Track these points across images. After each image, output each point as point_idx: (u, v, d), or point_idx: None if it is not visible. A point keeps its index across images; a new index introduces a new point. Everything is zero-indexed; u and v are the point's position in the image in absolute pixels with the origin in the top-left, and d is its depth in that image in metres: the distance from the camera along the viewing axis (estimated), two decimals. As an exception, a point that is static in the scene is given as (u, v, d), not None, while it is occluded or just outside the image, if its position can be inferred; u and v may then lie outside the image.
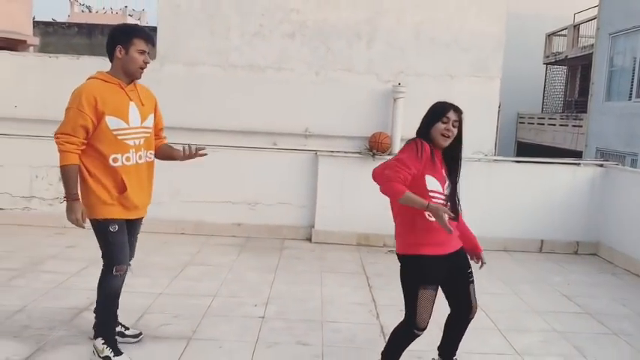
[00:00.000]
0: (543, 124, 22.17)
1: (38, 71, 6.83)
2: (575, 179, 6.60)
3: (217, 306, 4.25)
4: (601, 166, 6.68)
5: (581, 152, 16.94)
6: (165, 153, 3.45)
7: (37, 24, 20.27)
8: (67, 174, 3.04)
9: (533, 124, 23.26)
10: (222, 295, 4.49)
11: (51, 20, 27.98)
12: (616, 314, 4.55)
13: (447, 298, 3.06)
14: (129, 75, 3.14)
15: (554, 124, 20.98)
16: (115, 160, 3.08)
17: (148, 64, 3.17)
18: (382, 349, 3.12)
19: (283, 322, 4.01)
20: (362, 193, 6.31)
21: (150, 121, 3.27)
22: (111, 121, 3.04)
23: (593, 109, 16.74)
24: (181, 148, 3.33)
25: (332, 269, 5.45)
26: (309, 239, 6.50)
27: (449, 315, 3.12)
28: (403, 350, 3.03)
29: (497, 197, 6.44)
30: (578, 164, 6.75)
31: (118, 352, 3.19)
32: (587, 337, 4.04)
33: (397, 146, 6.44)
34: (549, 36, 23.07)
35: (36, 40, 15.10)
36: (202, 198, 6.57)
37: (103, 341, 3.19)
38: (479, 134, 6.50)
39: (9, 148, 6.55)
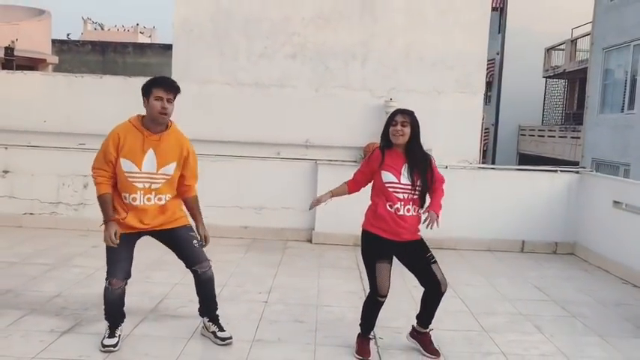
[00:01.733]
0: (543, 135, 22.74)
1: (65, 89, 7.58)
2: (554, 185, 7.20)
3: (226, 293, 4.87)
4: (577, 172, 7.28)
5: (578, 163, 17.50)
6: (190, 211, 3.77)
7: (52, 42, 21.20)
8: (101, 201, 3.50)
9: (533, 135, 23.85)
10: (230, 285, 5.12)
11: (66, 38, 29.08)
12: (578, 302, 5.14)
13: (418, 279, 3.70)
14: (153, 120, 3.46)
15: (554, 136, 21.54)
16: (125, 197, 3.51)
17: (166, 110, 3.44)
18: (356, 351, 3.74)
19: (283, 305, 4.65)
20: (357, 198, 6.92)
21: (169, 169, 3.54)
22: (124, 163, 3.45)
23: (588, 120, 17.33)
24: (198, 237, 3.73)
25: (329, 265, 6.08)
26: (310, 240, 7.13)
27: (424, 291, 3.74)
28: (373, 317, 3.69)
29: (481, 202, 7.04)
30: (556, 171, 7.35)
31: (111, 335, 3.63)
32: (548, 319, 4.64)
33: (389, 155, 7.09)
34: (548, 50, 23.70)
35: (55, 59, 15.97)
36: (213, 203, 7.17)
37: (108, 325, 3.70)
38: (464, 144, 7.14)
39: (39, 159, 7.25)
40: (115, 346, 3.61)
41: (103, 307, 3.70)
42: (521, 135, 25.09)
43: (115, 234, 3.47)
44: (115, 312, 3.69)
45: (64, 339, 3.76)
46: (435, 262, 3.63)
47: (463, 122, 7.14)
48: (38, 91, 7.57)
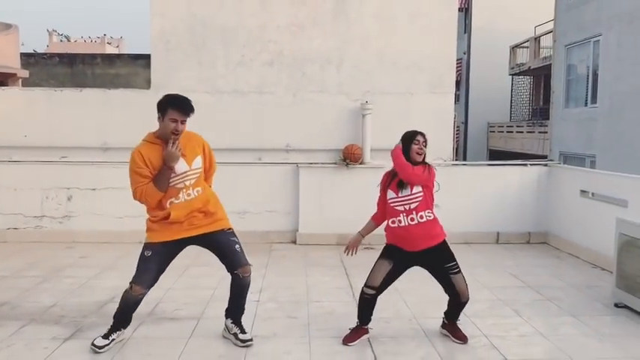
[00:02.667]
0: (512, 131, 23.34)
1: (44, 103, 7.64)
2: (524, 178, 7.55)
3: (219, 295, 5.01)
4: (545, 165, 7.65)
5: (546, 157, 18.05)
6: None
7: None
8: (155, 182, 3.58)
9: (502, 132, 24.46)
10: (222, 287, 5.23)
11: (32, 51, 28.65)
12: (552, 286, 5.46)
13: (442, 286, 3.97)
14: (166, 136, 3.60)
15: (522, 132, 22.15)
16: (171, 203, 3.66)
17: (179, 131, 3.56)
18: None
19: (275, 303, 4.85)
20: (339, 198, 7.21)
21: (198, 163, 3.74)
22: None
23: (554, 115, 17.91)
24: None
25: (315, 264, 6.29)
26: (294, 242, 7.33)
27: (449, 299, 4.02)
28: (362, 310, 3.98)
29: (456, 197, 7.32)
30: (526, 165, 7.71)
31: (106, 337, 3.79)
32: (525, 303, 4.94)
33: (368, 156, 7.37)
34: (513, 48, 24.37)
35: (25, 73, 15.82)
36: (197, 210, 7.38)
37: (112, 323, 3.87)
38: (438, 143, 7.41)
39: (21, 173, 7.30)
40: (100, 347, 3.74)
41: (117, 307, 3.85)
42: (491, 132, 25.72)
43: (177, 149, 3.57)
44: (125, 315, 3.84)
45: (67, 345, 3.89)
46: (457, 272, 3.90)
47: (436, 122, 7.44)
48: (17, 106, 7.61)
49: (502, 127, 24.67)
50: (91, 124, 7.56)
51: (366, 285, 3.93)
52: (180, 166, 3.66)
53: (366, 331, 4.03)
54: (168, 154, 3.57)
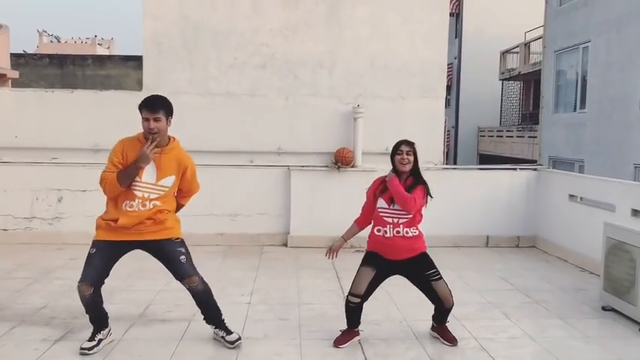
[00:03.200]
0: (502, 136, 23.52)
1: (36, 104, 7.60)
2: (514, 183, 7.62)
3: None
4: (535, 170, 7.73)
5: (536, 161, 18.21)
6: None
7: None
8: (118, 176, 3.62)
9: (492, 136, 24.63)
10: (213, 289, 5.28)
11: (22, 52, 28.46)
12: (541, 289, 5.52)
13: (425, 294, 4.02)
14: (147, 138, 3.66)
15: (512, 136, 22.31)
16: (124, 205, 3.67)
17: (153, 129, 3.62)
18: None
19: (266, 305, 4.86)
20: (330, 201, 7.24)
21: (167, 182, 3.74)
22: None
23: (544, 120, 18.07)
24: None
25: (306, 266, 6.31)
26: (285, 244, 7.35)
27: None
28: (350, 317, 4.02)
29: (447, 200, 7.36)
30: (515, 169, 7.78)
31: (91, 339, 3.79)
32: (514, 305, 4.99)
33: (359, 159, 7.40)
34: (503, 54, 24.55)
35: (15, 74, 15.72)
36: (188, 212, 7.31)
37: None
38: (429, 147, 7.49)
39: (11, 174, 7.25)
40: (89, 349, 3.74)
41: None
42: (481, 136, 25.88)
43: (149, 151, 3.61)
44: (91, 314, 3.82)
45: (58, 346, 3.89)
46: (438, 279, 3.95)
47: (427, 126, 7.50)
48: (8, 106, 7.57)
49: (492, 131, 24.84)
50: (82, 125, 7.54)
51: (350, 294, 3.96)
52: (148, 176, 3.69)
53: (357, 334, 4.07)
54: (141, 153, 3.61)
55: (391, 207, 3.90)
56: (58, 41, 46.59)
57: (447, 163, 11.58)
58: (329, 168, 7.38)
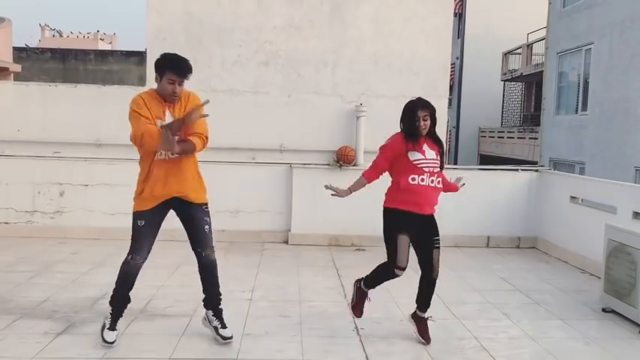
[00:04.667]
0: (503, 137, 23.53)
1: (39, 98, 7.59)
2: (515, 183, 7.63)
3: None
4: (536, 171, 7.74)
5: (537, 163, 18.21)
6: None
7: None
8: (150, 131, 3.53)
9: (493, 137, 24.64)
10: (214, 285, 5.30)
11: (24, 46, 28.44)
12: (541, 290, 5.53)
13: (419, 258, 4.01)
14: (164, 97, 3.68)
15: (513, 137, 22.33)
16: (156, 155, 3.68)
17: (177, 93, 3.64)
18: (353, 318, 4.25)
19: (267, 302, 4.88)
20: (332, 200, 7.15)
21: None
22: (158, 122, 3.63)
23: (545, 122, 18.09)
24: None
25: (307, 264, 6.32)
26: (286, 242, 7.36)
27: (420, 275, 4.06)
28: (380, 284, 4.04)
29: (448, 200, 7.33)
30: (517, 170, 7.79)
31: (112, 327, 3.83)
32: (514, 306, 5.00)
33: (361, 158, 7.41)
34: (506, 55, 24.57)
35: (18, 67, 15.70)
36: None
37: (110, 310, 3.90)
38: (431, 146, 7.48)
39: (13, 168, 7.26)
40: (113, 342, 3.78)
41: (115, 288, 3.88)
42: (482, 137, 25.90)
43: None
44: (126, 290, 3.87)
45: (60, 340, 3.90)
46: (438, 247, 3.97)
47: (430, 125, 7.49)
48: (11, 100, 7.57)
49: (493, 132, 24.85)
50: (84, 119, 7.53)
51: (396, 267, 3.87)
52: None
53: (367, 295, 4.15)
54: (166, 139, 3.48)
55: (427, 157, 3.88)
56: (60, 35, 46.50)
57: (447, 163, 11.58)
58: (331, 166, 7.38)
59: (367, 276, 4.12)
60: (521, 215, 7.56)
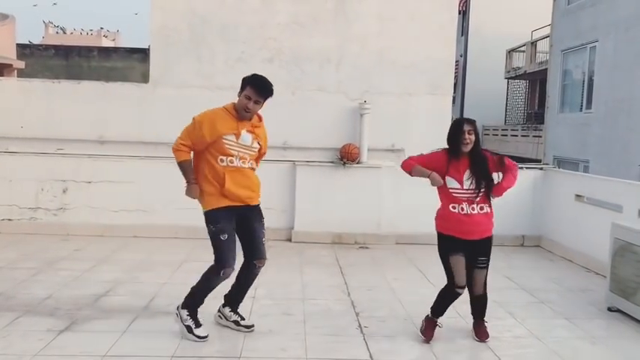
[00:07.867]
0: (507, 135, 23.47)
1: (42, 95, 7.58)
2: (519, 181, 7.51)
3: (214, 291, 5.03)
4: (541, 169, 7.70)
5: (540, 161, 18.15)
6: None
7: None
8: (183, 167, 3.90)
9: (497, 135, 24.58)
10: (217, 283, 5.29)
11: (27, 42, 28.49)
12: (546, 289, 5.50)
13: (467, 277, 3.99)
14: (239, 112, 3.86)
15: (517, 135, 22.26)
16: (221, 160, 3.82)
17: (250, 110, 3.83)
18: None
19: (271, 300, 4.85)
20: (335, 198, 7.23)
21: (256, 145, 4.04)
22: (227, 137, 3.84)
23: (549, 120, 18.01)
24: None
25: (310, 262, 6.30)
26: (290, 239, 7.33)
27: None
28: (448, 306, 4.03)
29: (452, 198, 7.37)
30: (522, 168, 7.73)
31: (198, 324, 3.94)
32: (519, 305, 4.97)
33: (365, 156, 7.38)
34: (509, 52, 24.48)
35: (21, 64, 15.73)
36: (194, 205, 7.34)
37: (187, 313, 3.95)
38: (435, 144, 7.39)
39: (17, 165, 7.25)
40: (205, 337, 3.89)
41: (197, 293, 3.96)
42: (485, 134, 25.79)
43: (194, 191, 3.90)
44: (205, 296, 3.99)
45: (63, 337, 3.88)
46: (482, 268, 3.97)
47: (434, 123, 7.44)
48: (15, 96, 7.56)
49: (497, 130, 24.79)
50: (88, 116, 7.52)
51: (456, 286, 3.90)
52: (244, 139, 3.90)
53: (436, 323, 4.08)
54: (187, 192, 3.90)
55: (464, 188, 3.86)
56: (64, 32, 46.54)
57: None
58: (334, 164, 7.35)
59: (432, 307, 4.09)
60: (526, 213, 7.51)
